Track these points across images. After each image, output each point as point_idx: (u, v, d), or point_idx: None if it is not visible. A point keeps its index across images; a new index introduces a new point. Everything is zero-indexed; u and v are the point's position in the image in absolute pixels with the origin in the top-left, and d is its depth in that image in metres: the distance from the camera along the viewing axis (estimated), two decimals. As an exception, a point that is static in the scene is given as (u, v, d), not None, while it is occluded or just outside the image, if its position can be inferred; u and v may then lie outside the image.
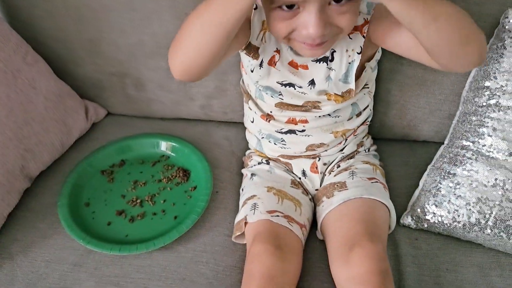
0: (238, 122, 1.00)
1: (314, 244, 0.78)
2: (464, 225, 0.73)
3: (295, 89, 0.75)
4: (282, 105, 0.78)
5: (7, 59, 0.83)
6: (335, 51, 0.71)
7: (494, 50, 0.75)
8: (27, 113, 0.84)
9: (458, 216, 0.73)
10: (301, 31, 0.60)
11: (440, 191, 0.76)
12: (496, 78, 0.74)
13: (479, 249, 0.76)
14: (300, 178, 0.85)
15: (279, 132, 0.81)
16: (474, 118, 0.76)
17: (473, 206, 0.72)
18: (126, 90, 0.99)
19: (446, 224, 0.75)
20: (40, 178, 0.89)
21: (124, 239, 0.78)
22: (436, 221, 0.75)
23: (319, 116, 0.78)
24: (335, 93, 0.75)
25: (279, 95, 0.76)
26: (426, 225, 0.76)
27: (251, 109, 0.84)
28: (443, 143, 0.83)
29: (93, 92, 1.01)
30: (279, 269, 0.67)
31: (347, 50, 0.71)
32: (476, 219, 0.72)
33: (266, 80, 0.75)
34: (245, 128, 0.93)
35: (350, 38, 0.70)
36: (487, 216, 0.71)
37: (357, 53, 0.71)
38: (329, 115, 0.78)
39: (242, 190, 0.85)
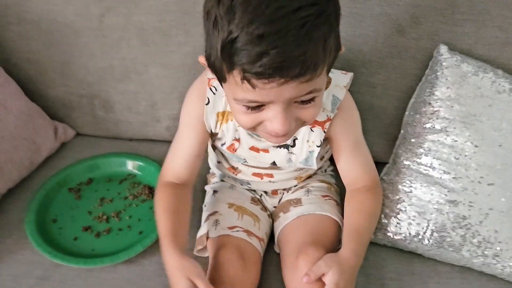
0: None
1: (271, 257, 0.84)
2: (405, 237, 0.81)
3: (256, 159, 0.80)
4: (247, 166, 0.83)
5: (-20, 82, 0.87)
6: (296, 139, 0.76)
7: (429, 81, 0.85)
8: (-2, 132, 0.87)
9: (400, 228, 0.81)
10: (267, 126, 0.62)
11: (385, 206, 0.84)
12: (430, 105, 0.83)
13: (419, 258, 0.84)
14: (260, 196, 0.91)
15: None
16: (413, 140, 0.85)
17: (412, 220, 0.80)
18: (95, 111, 1.03)
19: (390, 236, 0.82)
20: (7, 195, 0.92)
21: (90, 253, 0.82)
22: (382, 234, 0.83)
23: (284, 173, 0.85)
24: None
25: (244, 161, 0.82)
26: (373, 237, 0.84)
27: (219, 162, 0.88)
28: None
29: (63, 113, 1.05)
30: (240, 278, 0.73)
31: (308, 141, 0.76)
32: (415, 231, 0.80)
33: (229, 154, 0.81)
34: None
35: (312, 130, 0.75)
36: (425, 228, 0.79)
37: (317, 146, 0.76)
38: (294, 170, 0.85)
39: (205, 206, 0.89)
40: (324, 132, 0.75)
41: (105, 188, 0.95)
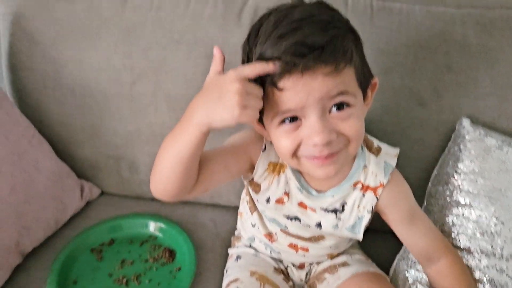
0: (223, 205, 1.07)
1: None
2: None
3: (300, 222, 0.78)
4: (287, 233, 0.81)
5: (16, 141, 0.91)
6: (346, 204, 0.75)
7: (452, 153, 0.85)
8: (28, 192, 0.90)
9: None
10: (307, 143, 0.62)
11: (408, 280, 0.81)
12: (454, 178, 0.82)
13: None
14: (287, 267, 0.88)
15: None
16: (436, 213, 0.83)
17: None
18: (121, 172, 1.06)
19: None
20: (32, 254, 0.93)
21: (108, 319, 0.82)
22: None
23: (321, 248, 0.82)
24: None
25: (285, 227, 0.80)
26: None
27: (253, 225, 0.85)
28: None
29: (89, 172, 1.08)
30: None
31: (358, 206, 0.74)
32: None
33: (272, 213, 0.79)
34: (230, 211, 0.99)
35: (363, 195, 0.74)
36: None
37: (368, 211, 0.74)
38: (330, 246, 0.82)
39: (227, 271, 0.88)
40: (377, 198, 0.73)
41: (126, 249, 0.96)
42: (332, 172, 0.65)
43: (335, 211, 0.75)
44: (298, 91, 0.59)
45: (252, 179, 0.76)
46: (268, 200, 0.78)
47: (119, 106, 1.00)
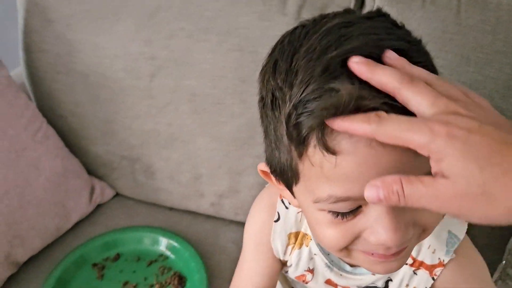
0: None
1: None
2: None
3: None
4: None
5: (15, 137, 0.80)
6: (391, 280, 0.56)
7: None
8: (23, 197, 0.79)
9: None
10: (368, 239, 0.41)
11: None
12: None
13: None
14: None
15: None
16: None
17: None
18: (136, 175, 0.93)
19: None
20: (29, 263, 0.83)
21: None
22: None
23: None
24: None
25: None
26: None
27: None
28: None
29: (102, 171, 0.96)
30: None
31: (407, 285, 0.55)
32: None
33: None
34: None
35: (415, 273, 0.55)
36: None
37: None
38: None
39: None
40: (433, 279, 0.54)
41: (131, 269, 0.83)
42: (395, 269, 0.46)
43: None
44: (362, 156, 0.36)
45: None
46: (286, 272, 0.62)
47: (135, 100, 0.85)
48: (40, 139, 0.84)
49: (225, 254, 0.87)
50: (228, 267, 0.84)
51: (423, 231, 0.43)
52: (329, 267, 0.57)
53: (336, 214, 0.40)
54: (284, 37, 0.43)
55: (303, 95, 0.37)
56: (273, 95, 0.41)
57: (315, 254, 0.57)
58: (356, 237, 0.42)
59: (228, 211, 0.91)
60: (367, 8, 0.75)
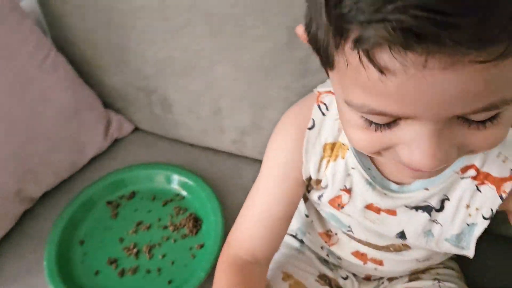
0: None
1: None
2: None
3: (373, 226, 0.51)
4: (351, 237, 0.56)
5: (19, 68, 0.73)
6: (447, 199, 0.46)
7: None
8: (32, 130, 0.74)
9: None
10: (401, 154, 0.34)
11: None
12: None
13: None
14: (346, 278, 0.63)
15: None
16: None
17: None
18: (153, 108, 0.85)
19: None
20: (45, 198, 0.80)
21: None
22: None
23: (402, 261, 0.55)
24: None
25: (348, 229, 0.54)
26: None
27: (307, 216, 0.61)
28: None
29: (120, 104, 0.89)
30: None
31: (468, 206, 0.46)
32: None
33: (328, 207, 0.53)
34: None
35: (478, 189, 0.45)
36: None
37: (484, 217, 0.45)
38: (416, 259, 0.55)
39: None
40: (501, 197, 0.44)
41: (146, 208, 0.78)
42: (427, 177, 0.41)
43: (428, 209, 0.46)
44: (415, 87, 0.28)
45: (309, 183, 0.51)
46: (320, 197, 0.52)
47: (148, 23, 0.75)
48: (47, 69, 0.77)
49: (246, 195, 0.79)
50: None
51: (470, 152, 0.34)
52: (370, 183, 0.47)
53: (370, 122, 0.34)
54: None
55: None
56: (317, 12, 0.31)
57: (352, 168, 0.47)
58: (388, 147, 0.35)
59: (252, 150, 0.82)
60: None
